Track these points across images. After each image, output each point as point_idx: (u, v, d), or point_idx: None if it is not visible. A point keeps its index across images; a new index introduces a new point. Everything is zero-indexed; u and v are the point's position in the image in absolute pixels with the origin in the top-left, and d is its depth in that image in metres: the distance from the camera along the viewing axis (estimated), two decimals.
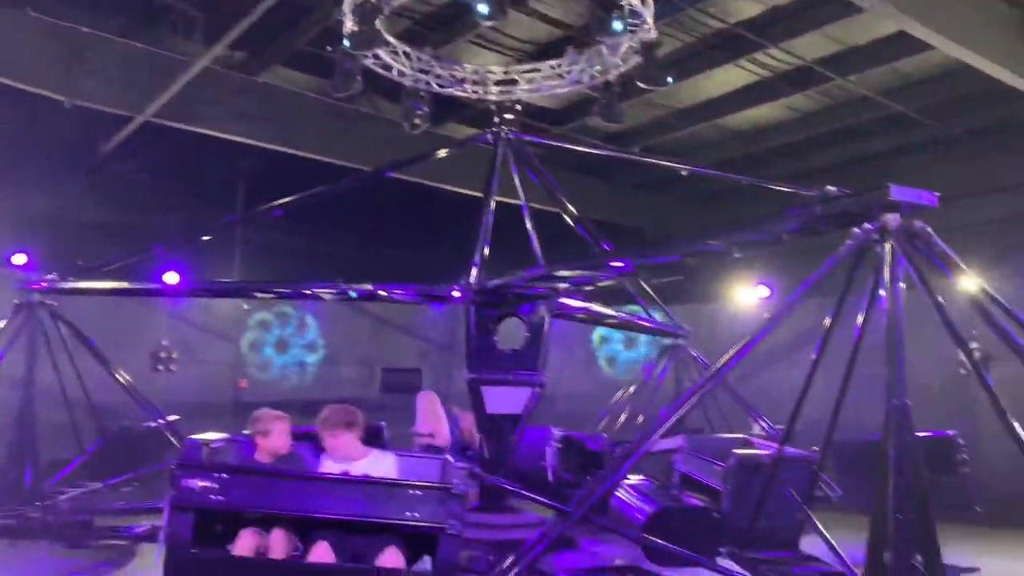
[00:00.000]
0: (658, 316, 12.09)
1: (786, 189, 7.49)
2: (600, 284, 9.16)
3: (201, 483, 4.25)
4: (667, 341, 12.61)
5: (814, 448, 6.91)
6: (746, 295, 14.76)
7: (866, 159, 14.44)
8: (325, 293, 9.12)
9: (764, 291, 14.26)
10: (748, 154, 14.83)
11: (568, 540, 8.18)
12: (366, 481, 4.72)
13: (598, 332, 16.46)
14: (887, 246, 4.80)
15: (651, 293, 11.79)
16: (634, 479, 8.88)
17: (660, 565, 7.02)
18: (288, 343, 15.64)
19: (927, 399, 10.17)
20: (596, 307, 10.01)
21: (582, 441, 9.79)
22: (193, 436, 5.03)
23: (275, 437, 5.27)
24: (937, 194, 4.66)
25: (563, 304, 8.94)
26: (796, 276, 5.07)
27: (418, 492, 4.49)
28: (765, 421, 10.70)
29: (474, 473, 5.16)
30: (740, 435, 9.61)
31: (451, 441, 9.46)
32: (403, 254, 16.65)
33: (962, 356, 12.07)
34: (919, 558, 4.58)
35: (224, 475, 4.33)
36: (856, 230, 4.93)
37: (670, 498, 8.34)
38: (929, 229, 4.84)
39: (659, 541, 5.77)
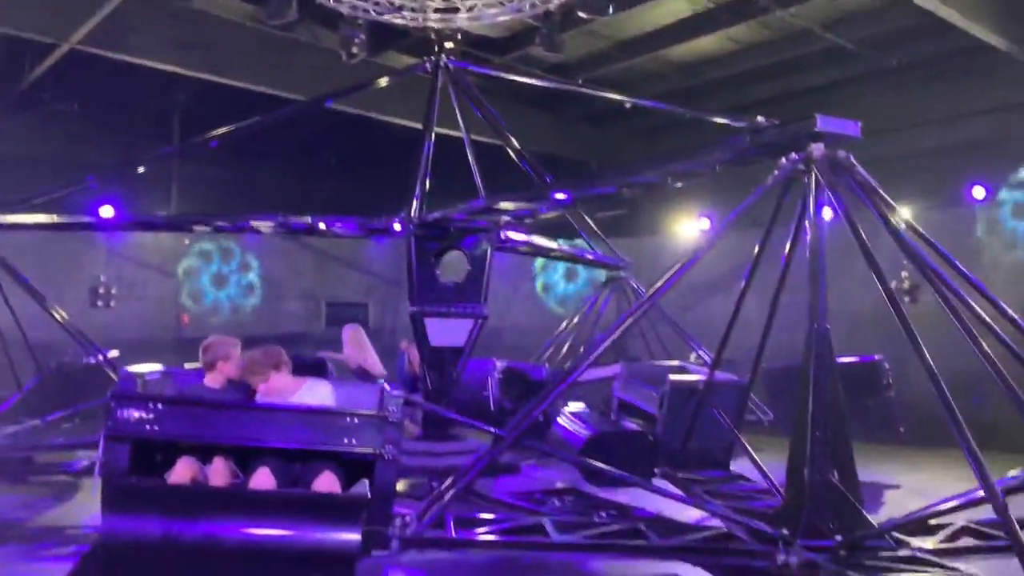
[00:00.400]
0: (601, 249, 12.24)
1: (721, 121, 7.57)
2: (542, 217, 9.21)
3: (136, 414, 4.26)
4: (609, 273, 12.82)
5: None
6: (689, 227, 15.00)
7: (806, 91, 14.56)
8: (264, 226, 9.01)
9: (706, 223, 14.50)
10: (690, 86, 14.86)
11: (510, 466, 8.45)
12: (306, 410, 4.78)
13: (543, 266, 16.63)
14: (812, 176, 4.92)
15: (593, 226, 11.90)
16: (575, 406, 9.14)
17: (598, 486, 7.30)
18: (231, 278, 15.50)
19: (860, 325, 10.59)
20: (539, 240, 10.10)
21: (524, 371, 10.02)
22: (128, 368, 5.02)
23: (235, 361, 5.31)
24: (860, 123, 4.76)
25: (506, 237, 8.99)
26: (735, 206, 5.15)
27: (356, 420, 4.56)
28: (702, 349, 11.02)
29: (410, 400, 5.25)
30: (676, 362, 9.90)
31: (402, 373, 9.60)
32: (345, 186, 16.46)
33: (893, 283, 12.59)
34: (836, 474, 4.81)
35: (160, 405, 4.34)
36: (783, 160, 5.03)
37: (608, 423, 8.62)
38: (853, 159, 4.95)
39: (596, 463, 5.96)
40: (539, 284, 16.92)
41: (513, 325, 15.82)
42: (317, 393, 5.06)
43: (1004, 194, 12.41)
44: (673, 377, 7.77)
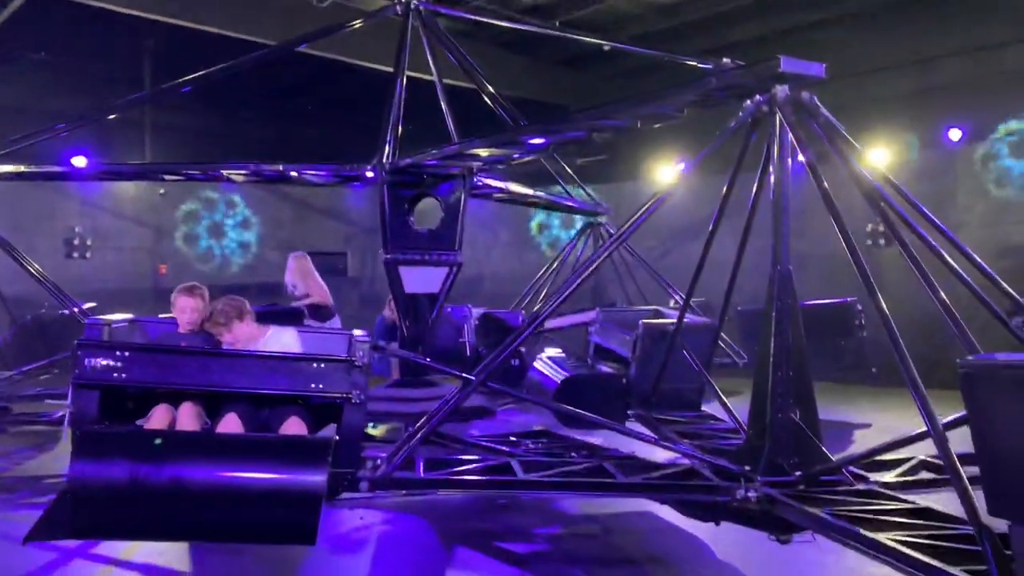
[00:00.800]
0: (578, 195, 12.21)
1: (691, 63, 7.51)
2: (515, 162, 9.12)
3: (103, 361, 4.29)
4: (588, 219, 12.84)
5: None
6: (667, 173, 14.97)
7: (784, 33, 14.45)
8: (236, 174, 8.89)
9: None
10: (668, 28, 14.71)
11: (485, 410, 8.53)
12: (273, 356, 4.81)
13: (523, 213, 16.60)
14: (776, 118, 4.90)
15: (570, 172, 11.86)
16: (553, 352, 9.22)
17: (572, 428, 7.41)
18: (210, 228, 15.41)
19: (837, 267, 10.65)
20: (514, 186, 10.04)
21: (500, 318, 10.09)
22: (94, 316, 5.01)
23: (179, 308, 5.29)
24: (824, 65, 4.72)
25: (480, 183, 8.94)
26: (717, 152, 5.13)
27: (323, 365, 4.61)
28: (678, 294, 11.11)
29: (378, 346, 5.29)
30: (651, 307, 10.00)
31: (381, 325, 9.63)
32: (325, 133, 16.32)
33: (869, 227, 12.64)
34: (797, 412, 4.90)
35: (126, 352, 4.37)
36: (748, 102, 5.01)
37: (583, 367, 8.73)
38: (816, 100, 4.93)
39: (569, 407, 6.05)
40: (520, 232, 16.92)
41: (493, 273, 15.86)
42: (281, 340, 5.10)
43: (980, 137, 12.45)
44: (646, 321, 7.84)
